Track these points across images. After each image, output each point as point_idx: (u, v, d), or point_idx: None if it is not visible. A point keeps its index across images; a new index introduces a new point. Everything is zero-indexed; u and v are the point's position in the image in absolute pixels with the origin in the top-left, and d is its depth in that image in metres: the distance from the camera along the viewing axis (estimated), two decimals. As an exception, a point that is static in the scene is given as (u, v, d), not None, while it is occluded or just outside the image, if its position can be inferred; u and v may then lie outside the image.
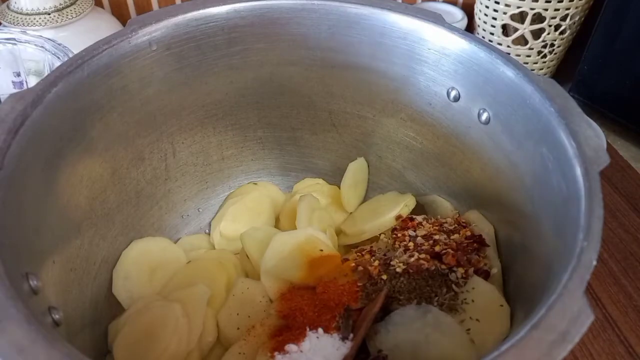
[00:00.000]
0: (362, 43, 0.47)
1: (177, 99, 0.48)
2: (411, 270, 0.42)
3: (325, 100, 0.53)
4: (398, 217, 0.50)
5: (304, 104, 0.53)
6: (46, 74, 0.42)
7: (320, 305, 0.41)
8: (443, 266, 0.42)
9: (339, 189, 0.57)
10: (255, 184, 0.58)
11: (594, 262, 0.27)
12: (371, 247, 0.48)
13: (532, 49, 0.72)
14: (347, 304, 0.41)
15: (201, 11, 0.44)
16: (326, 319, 0.40)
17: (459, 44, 0.42)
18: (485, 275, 0.42)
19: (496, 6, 0.70)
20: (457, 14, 0.82)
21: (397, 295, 0.41)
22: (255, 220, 0.54)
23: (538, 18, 0.69)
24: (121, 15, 0.82)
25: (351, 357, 0.37)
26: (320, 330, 0.39)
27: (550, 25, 0.69)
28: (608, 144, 0.68)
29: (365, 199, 0.57)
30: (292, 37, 0.48)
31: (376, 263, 0.44)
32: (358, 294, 0.42)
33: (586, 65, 0.70)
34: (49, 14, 0.65)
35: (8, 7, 0.67)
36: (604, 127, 0.69)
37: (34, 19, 0.65)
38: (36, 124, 0.34)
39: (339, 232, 0.54)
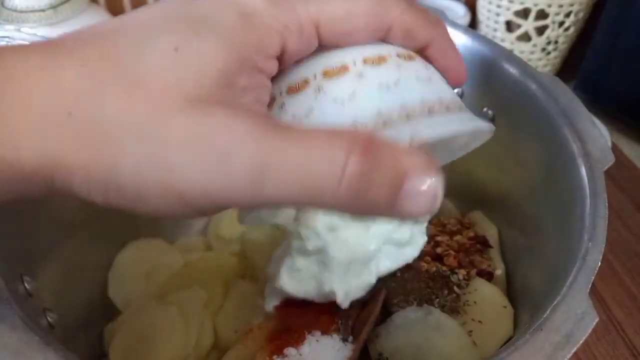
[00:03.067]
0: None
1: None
2: (411, 272, 0.41)
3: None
4: (399, 217, 0.49)
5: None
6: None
7: (319, 307, 0.41)
8: (444, 268, 0.41)
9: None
10: (255, 184, 0.57)
11: (599, 263, 0.27)
12: (371, 247, 0.47)
13: (536, 45, 0.71)
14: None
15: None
16: (325, 320, 0.40)
17: (461, 41, 0.41)
18: (489, 276, 0.42)
19: (499, 2, 0.69)
20: (459, 10, 0.81)
21: (397, 297, 0.41)
22: (254, 220, 0.53)
23: (542, 15, 0.68)
24: (117, 12, 0.82)
25: (352, 361, 0.37)
26: (319, 332, 0.39)
27: (554, 22, 0.68)
28: (613, 142, 0.67)
29: (365, 198, 0.56)
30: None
31: (376, 264, 0.43)
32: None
33: (590, 63, 0.69)
34: (44, 11, 0.65)
35: (2, 4, 0.67)
36: (608, 125, 0.68)
37: (29, 16, 0.65)
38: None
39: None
